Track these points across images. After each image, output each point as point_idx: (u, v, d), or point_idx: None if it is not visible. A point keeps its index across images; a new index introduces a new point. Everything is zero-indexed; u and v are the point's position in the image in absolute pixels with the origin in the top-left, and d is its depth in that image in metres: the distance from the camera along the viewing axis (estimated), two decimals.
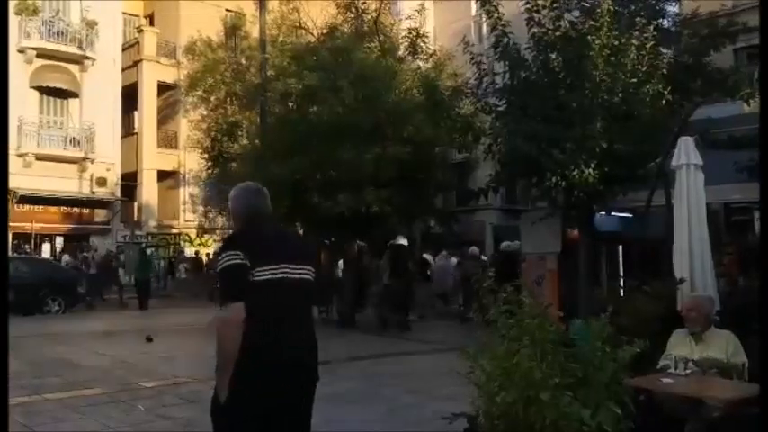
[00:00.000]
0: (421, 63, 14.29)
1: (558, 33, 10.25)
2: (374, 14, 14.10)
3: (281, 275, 2.86)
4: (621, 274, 12.51)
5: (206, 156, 16.03)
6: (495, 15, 10.49)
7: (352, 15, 14.08)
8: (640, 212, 10.80)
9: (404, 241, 15.81)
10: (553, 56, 10.30)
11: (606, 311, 4.56)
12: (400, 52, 13.97)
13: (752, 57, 22.17)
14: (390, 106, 12.47)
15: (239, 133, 15.87)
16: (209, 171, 17.94)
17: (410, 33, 14.08)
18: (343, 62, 12.64)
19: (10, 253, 23.87)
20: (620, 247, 12.84)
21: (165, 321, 15.10)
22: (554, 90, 10.22)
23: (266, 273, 2.83)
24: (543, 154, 9.76)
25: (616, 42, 10.18)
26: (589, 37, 9.97)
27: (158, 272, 28.35)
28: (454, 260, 18.57)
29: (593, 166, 9.70)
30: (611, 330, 3.97)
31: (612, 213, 11.72)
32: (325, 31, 14.23)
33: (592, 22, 9.87)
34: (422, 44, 14.16)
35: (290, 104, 14.19)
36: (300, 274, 2.96)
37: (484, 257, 19.22)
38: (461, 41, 11.02)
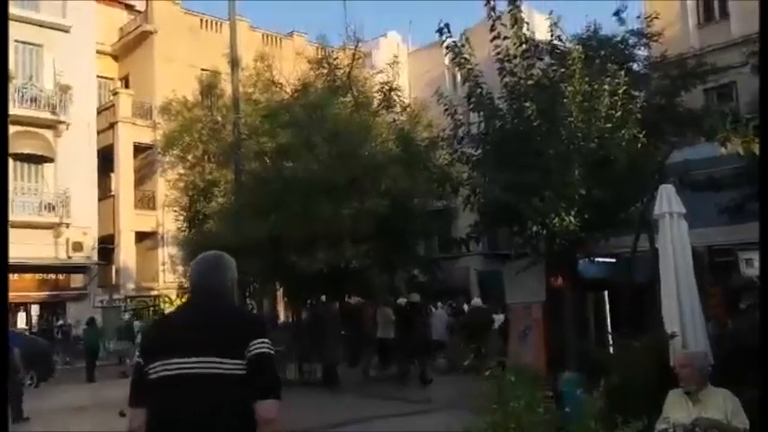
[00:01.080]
0: (395, 116, 14.23)
1: (530, 82, 10.23)
2: (347, 69, 14.10)
3: (175, 371, 2.51)
4: (609, 321, 12.27)
5: (182, 215, 15.69)
6: (468, 67, 10.47)
7: (325, 70, 14.07)
8: (625, 257, 10.64)
9: (416, 298, 15.72)
10: (527, 104, 10.23)
11: (597, 368, 4.28)
12: (374, 106, 13.89)
13: (721, 96, 22.57)
14: (366, 160, 12.34)
15: (215, 192, 15.62)
16: (185, 232, 17.55)
17: (383, 87, 14.04)
18: (316, 118, 12.54)
19: None
20: (606, 293, 12.61)
21: None
22: (530, 138, 10.13)
23: (159, 369, 2.54)
24: (523, 202, 9.60)
25: (588, 88, 10.18)
26: (562, 84, 9.95)
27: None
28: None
29: (573, 213, 9.55)
30: (602, 405, 3.69)
31: (596, 259, 11.53)
32: (297, 87, 14.15)
33: (563, 70, 9.86)
34: (396, 97, 14.11)
35: (266, 161, 14.02)
36: (204, 368, 2.51)
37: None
38: (435, 92, 10.97)
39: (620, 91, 10.77)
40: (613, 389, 4.01)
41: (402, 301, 16.90)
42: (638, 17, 16.40)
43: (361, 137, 12.52)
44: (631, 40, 15.57)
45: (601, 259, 11.91)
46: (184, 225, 15.52)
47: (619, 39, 14.52)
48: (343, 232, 11.87)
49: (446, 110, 10.77)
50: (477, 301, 17.59)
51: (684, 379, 4.49)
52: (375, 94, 14.07)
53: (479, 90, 10.43)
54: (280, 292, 17.47)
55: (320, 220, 11.80)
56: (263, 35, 33.94)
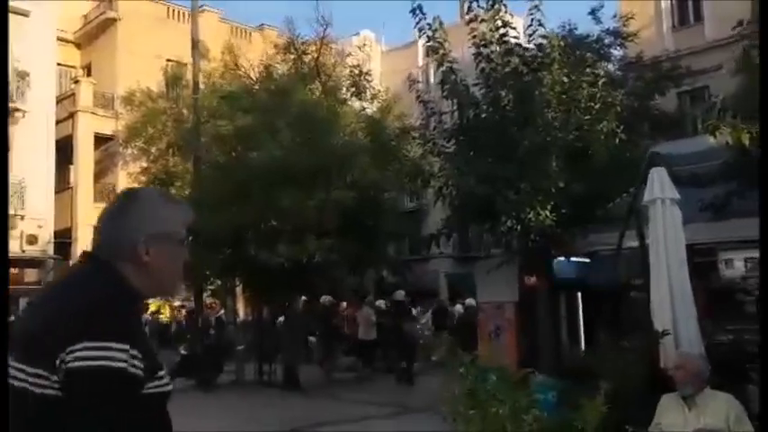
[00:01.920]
0: (365, 104, 13.61)
1: (507, 69, 9.72)
2: (314, 54, 13.42)
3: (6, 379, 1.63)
4: (582, 323, 11.83)
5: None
6: (441, 51, 9.92)
7: (292, 56, 13.38)
8: (600, 257, 10.18)
9: (401, 296, 15.25)
10: (503, 92, 9.74)
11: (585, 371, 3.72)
12: (343, 92, 13.23)
13: (694, 99, 22.48)
14: (332, 149, 11.68)
15: (177, 183, 14.81)
16: None
17: (352, 71, 13.39)
18: (280, 102, 11.85)
19: None
20: (580, 294, 12.16)
21: None
22: (505, 128, 9.63)
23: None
24: (497, 195, 9.08)
25: (566, 80, 9.74)
26: (540, 72, 9.49)
27: None
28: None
29: (549, 207, 9.07)
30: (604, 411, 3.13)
31: (571, 259, 11.07)
32: (262, 71, 13.41)
33: (542, 57, 9.39)
34: (365, 83, 13.47)
35: (228, 150, 13.28)
36: (16, 378, 1.60)
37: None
38: (407, 78, 10.40)
39: (600, 83, 10.38)
40: (607, 394, 3.45)
41: (381, 303, 16.45)
42: (614, 16, 16.16)
43: (328, 124, 11.87)
44: (607, 40, 15.33)
45: (575, 259, 11.45)
46: None
47: (594, 38, 14.24)
48: (306, 225, 11.21)
49: (418, 97, 10.21)
50: (470, 301, 16.98)
51: (681, 381, 3.97)
52: (343, 80, 13.39)
53: (453, 76, 9.88)
54: (240, 289, 16.68)
55: (282, 211, 11.12)
56: (232, 27, 33.09)
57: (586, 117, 9.89)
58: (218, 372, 13.66)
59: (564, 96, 9.62)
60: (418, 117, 10.52)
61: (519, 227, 9.23)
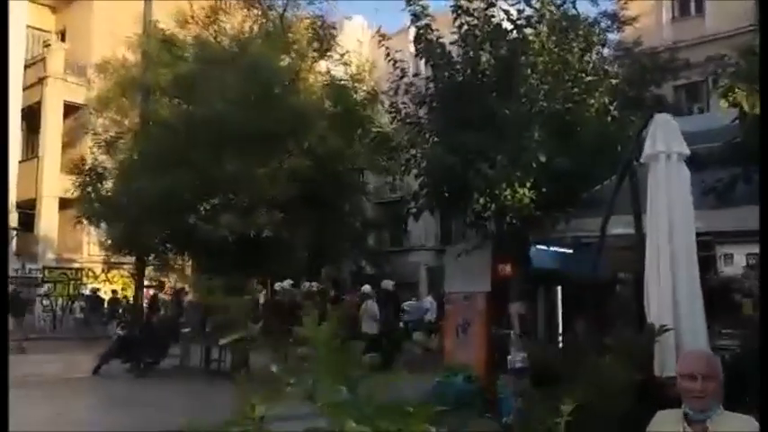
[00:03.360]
0: (331, 66, 12.33)
1: (489, 27, 8.54)
2: (280, 11, 12.11)
3: None
4: (560, 320, 10.68)
5: (76, 172, 13.52)
6: (419, 3, 8.71)
7: (258, 13, 12.10)
8: (584, 247, 9.04)
9: (391, 285, 14.32)
10: (483, 54, 8.57)
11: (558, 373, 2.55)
12: (303, 45, 11.90)
13: (690, 94, 21.45)
14: (289, 109, 10.42)
15: (119, 145, 13.51)
16: (75, 192, 14.93)
17: (314, 23, 12.02)
18: (232, 54, 10.59)
19: None
20: (560, 288, 11.00)
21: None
22: (483, 94, 8.47)
23: None
24: (470, 168, 7.91)
25: (556, 49, 8.60)
26: (527, 29, 8.33)
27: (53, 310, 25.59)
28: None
29: (528, 184, 7.92)
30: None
31: (551, 248, 9.91)
32: (210, 17, 12.06)
33: (530, 12, 8.23)
34: (329, 36, 12.12)
35: (169, 103, 12.03)
36: None
37: None
38: (375, 33, 9.19)
39: (594, 50, 9.27)
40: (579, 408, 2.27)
41: (366, 288, 15.64)
42: None
43: (285, 80, 10.62)
44: (603, 23, 14.30)
45: (555, 248, 10.29)
46: (76, 184, 13.28)
47: (591, 20, 13.19)
48: (257, 195, 9.96)
49: (387, 55, 9.00)
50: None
51: (691, 395, 2.77)
52: (304, 32, 12.02)
53: (429, 34, 8.68)
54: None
55: (227, 178, 9.88)
56: None
57: (575, 89, 8.77)
58: (160, 356, 12.48)
59: (552, 62, 8.48)
60: (387, 80, 9.32)
61: (493, 206, 8.08)
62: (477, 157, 7.97)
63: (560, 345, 9.81)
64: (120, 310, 21.18)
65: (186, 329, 13.20)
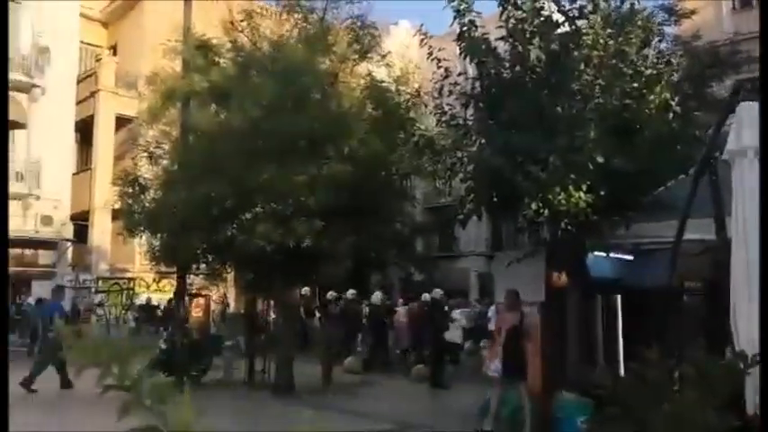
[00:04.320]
0: (372, 67, 11.92)
1: (540, 19, 7.99)
2: (320, 13, 11.74)
3: None
4: (621, 334, 9.98)
5: (120, 183, 13.53)
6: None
7: (298, 16, 11.78)
8: (647, 252, 8.38)
9: (439, 293, 14.05)
10: (532, 47, 8.02)
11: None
12: (343, 47, 11.51)
13: (755, 90, 20.34)
14: (327, 112, 10.03)
15: (161, 155, 13.44)
16: (116, 204, 15.10)
17: (354, 23, 11.60)
18: (267, 57, 10.27)
19: None
20: (619, 297, 10.30)
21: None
22: (533, 92, 7.91)
23: None
24: (519, 171, 7.37)
25: (611, 42, 7.98)
26: (580, 21, 7.76)
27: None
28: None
29: (584, 187, 7.33)
30: None
31: (611, 255, 9.24)
32: (247, 21, 11.75)
33: (582, 1, 7.65)
34: (369, 37, 11.67)
35: (204, 111, 11.80)
36: None
37: None
38: (417, 31, 8.73)
39: (654, 42, 8.62)
40: None
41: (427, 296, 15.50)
42: None
43: (324, 84, 10.23)
44: (660, 17, 13.54)
45: (615, 255, 9.62)
46: (116, 194, 13.30)
47: (646, 14, 12.47)
48: (295, 204, 9.59)
49: (430, 54, 8.52)
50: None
51: None
52: (342, 34, 11.59)
53: (473, 30, 8.17)
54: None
55: (262, 186, 9.53)
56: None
57: (634, 84, 8.12)
58: (204, 368, 12.26)
59: (607, 56, 7.86)
60: (431, 81, 8.84)
61: (546, 211, 7.50)
62: (528, 159, 7.41)
63: (622, 362, 9.17)
64: (162, 322, 21.21)
65: (229, 342, 12.99)
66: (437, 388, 12.94)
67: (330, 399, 11.36)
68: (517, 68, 8.07)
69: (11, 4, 25.38)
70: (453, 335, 15.36)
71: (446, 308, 17.00)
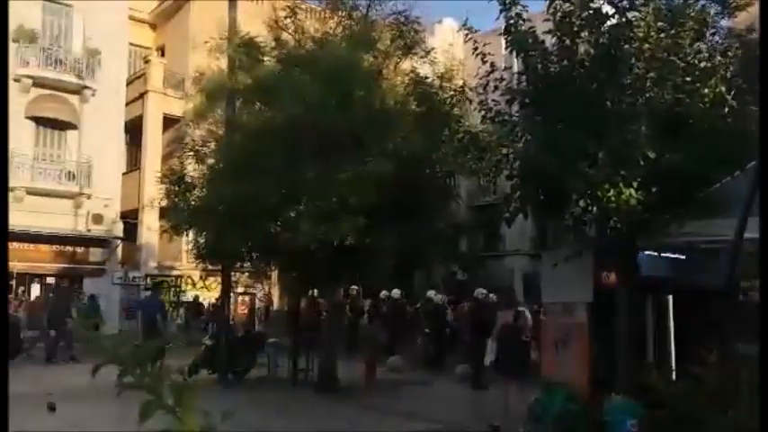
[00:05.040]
0: (415, 64, 11.80)
1: (589, 11, 7.77)
2: (363, 10, 11.70)
3: None
4: (672, 335, 9.67)
5: (166, 182, 13.71)
6: None
7: (342, 14, 11.75)
8: (701, 251, 8.09)
9: (482, 292, 13.98)
10: (581, 41, 7.81)
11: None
12: (387, 43, 11.42)
13: None
14: (370, 110, 9.96)
15: (206, 152, 13.58)
16: (162, 201, 15.38)
17: (398, 19, 11.50)
18: (310, 54, 10.25)
19: None
20: (671, 298, 9.99)
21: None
22: (581, 86, 7.71)
23: None
24: (567, 168, 7.18)
25: (662, 35, 7.71)
26: (631, 13, 7.52)
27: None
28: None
29: (635, 184, 7.10)
30: None
31: (663, 254, 8.96)
32: (291, 18, 11.76)
33: None
34: (412, 33, 11.54)
35: (249, 108, 11.87)
36: None
37: None
38: (461, 27, 8.59)
39: (708, 34, 8.31)
40: None
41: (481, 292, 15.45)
42: None
43: (368, 81, 10.15)
44: (713, 9, 13.09)
45: (667, 254, 9.32)
46: (162, 192, 13.52)
47: (699, 6, 12.07)
48: (337, 201, 9.55)
49: (475, 49, 8.38)
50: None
51: None
52: (385, 29, 11.50)
53: (521, 22, 8.00)
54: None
55: (306, 182, 9.52)
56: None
57: (687, 78, 7.84)
58: (248, 366, 12.35)
59: (659, 48, 7.60)
60: (475, 77, 8.69)
61: (594, 209, 7.30)
62: (576, 156, 7.22)
63: (674, 363, 8.90)
64: (206, 320, 21.55)
65: (273, 339, 13.06)
66: (479, 389, 12.78)
67: (372, 397, 11.31)
68: (565, 62, 7.87)
69: (63, 8, 26.12)
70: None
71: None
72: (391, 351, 15.77)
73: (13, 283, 24.00)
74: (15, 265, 23.98)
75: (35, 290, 25.87)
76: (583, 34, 7.74)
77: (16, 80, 24.40)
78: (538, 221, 19.31)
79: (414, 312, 18.64)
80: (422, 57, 11.80)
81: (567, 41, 7.79)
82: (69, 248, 26.12)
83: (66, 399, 9.88)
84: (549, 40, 8.08)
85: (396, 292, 18.68)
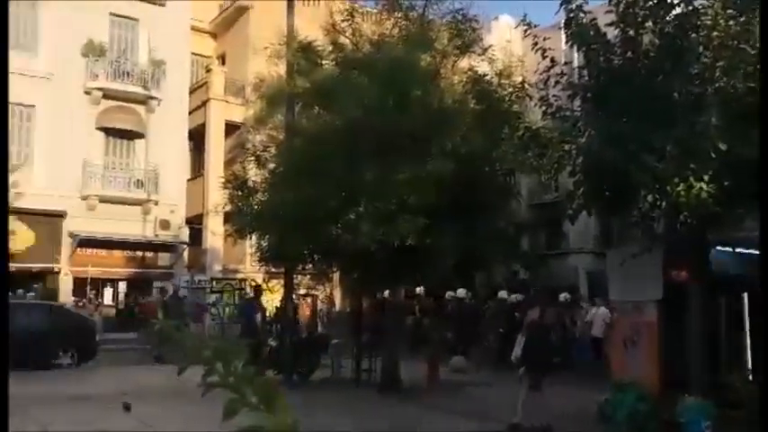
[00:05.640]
0: (473, 62, 11.69)
1: (653, 1, 7.56)
2: (419, 10, 11.66)
3: None
4: (748, 334, 9.28)
5: (229, 187, 14.01)
6: None
7: (398, 15, 11.76)
8: None
9: (567, 296, 13.82)
10: (646, 34, 7.60)
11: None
12: (444, 42, 11.33)
13: None
14: (428, 109, 9.91)
15: (267, 157, 13.81)
16: (225, 206, 15.73)
17: (455, 17, 11.40)
18: (366, 55, 10.27)
19: (64, 299, 23.00)
20: (746, 295, 9.59)
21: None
22: (647, 78, 7.49)
23: None
24: (633, 162, 6.99)
25: (731, 22, 7.42)
26: (697, 1, 7.27)
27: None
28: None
29: (706, 178, 6.85)
30: None
31: (736, 249, 8.63)
32: (343, 20, 11.80)
33: None
34: (470, 31, 11.40)
35: (307, 112, 11.99)
36: None
37: None
38: (520, 23, 8.47)
39: None
40: None
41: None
42: None
43: (426, 81, 10.10)
44: None
45: (740, 250, 8.98)
46: (225, 197, 13.84)
47: None
48: (396, 202, 9.54)
49: (535, 44, 8.25)
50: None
51: None
52: (443, 29, 11.38)
53: (582, 14, 7.84)
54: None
55: (366, 184, 9.54)
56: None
57: (759, 66, 7.51)
58: (312, 367, 12.47)
59: (729, 36, 7.31)
60: (535, 72, 8.56)
61: (663, 203, 7.08)
62: (642, 149, 7.02)
63: (749, 364, 8.55)
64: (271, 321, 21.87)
65: (336, 340, 13.16)
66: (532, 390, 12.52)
67: (435, 397, 11.26)
68: (628, 54, 7.68)
69: (129, 22, 27.05)
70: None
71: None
72: (455, 351, 15.67)
73: (88, 287, 24.98)
74: (89, 271, 25.01)
75: (108, 294, 26.89)
76: (647, 24, 7.53)
77: (87, 93, 25.40)
78: (602, 218, 18.87)
79: (483, 312, 18.48)
80: (480, 54, 11.68)
81: (631, 32, 7.59)
82: (139, 253, 27.02)
83: (144, 399, 10.20)
84: (612, 33, 7.89)
85: (461, 292, 18.60)
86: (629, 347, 9.05)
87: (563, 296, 17.36)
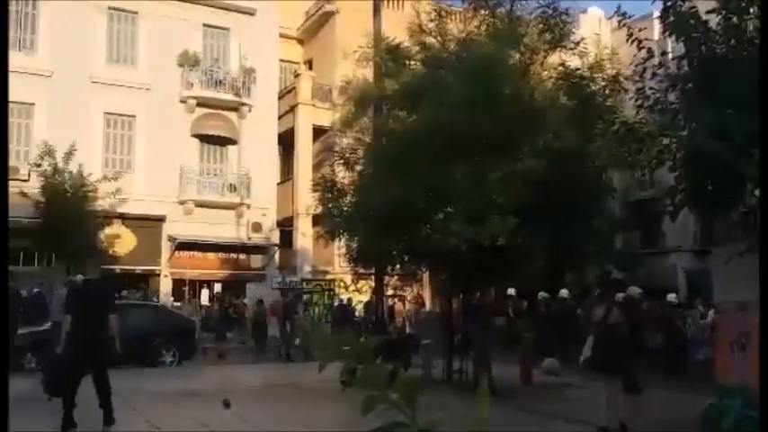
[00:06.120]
0: (565, 57, 11.38)
1: None
2: (507, 6, 11.50)
3: None
4: None
5: (318, 190, 14.28)
6: None
7: (485, 12, 11.62)
8: None
9: (637, 293, 13.46)
10: (751, 19, 7.19)
11: None
12: (534, 38, 11.08)
13: None
14: (519, 107, 9.73)
15: (354, 160, 13.97)
16: (315, 209, 16.01)
17: (545, 12, 11.10)
18: (453, 53, 10.19)
19: (164, 299, 24.14)
20: None
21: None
22: (753, 66, 7.08)
23: None
24: (740, 155, 6.63)
25: None
26: None
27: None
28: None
29: None
30: None
31: None
32: (430, 20, 11.73)
33: None
34: (560, 26, 11.09)
35: (395, 114, 12.02)
36: None
37: None
38: (613, 14, 8.20)
39: None
40: None
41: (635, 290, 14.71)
42: None
43: (515, 77, 9.92)
44: None
45: None
46: (315, 200, 14.11)
47: None
48: (486, 202, 9.42)
49: (630, 35, 7.96)
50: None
51: None
52: (533, 24, 11.15)
53: (681, 2, 7.50)
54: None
55: (456, 184, 9.47)
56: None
57: None
58: (402, 366, 12.49)
59: None
60: (630, 65, 8.26)
61: None
62: (749, 142, 6.65)
63: None
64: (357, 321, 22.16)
65: (426, 341, 13.16)
66: (629, 393, 12.04)
67: (528, 399, 11.07)
68: (732, 42, 7.28)
69: (221, 32, 28.06)
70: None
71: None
72: (550, 352, 15.33)
73: (186, 289, 26.10)
74: (186, 273, 26.13)
75: (204, 295, 27.96)
76: (752, 10, 7.12)
77: (182, 101, 26.54)
78: (703, 215, 18.00)
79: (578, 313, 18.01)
80: (571, 49, 11.39)
81: (735, 20, 7.20)
82: (233, 256, 27.94)
83: (243, 396, 10.56)
84: (713, 20, 7.51)
85: (563, 292, 18.27)
86: (736, 350, 8.59)
87: (670, 296, 16.67)
